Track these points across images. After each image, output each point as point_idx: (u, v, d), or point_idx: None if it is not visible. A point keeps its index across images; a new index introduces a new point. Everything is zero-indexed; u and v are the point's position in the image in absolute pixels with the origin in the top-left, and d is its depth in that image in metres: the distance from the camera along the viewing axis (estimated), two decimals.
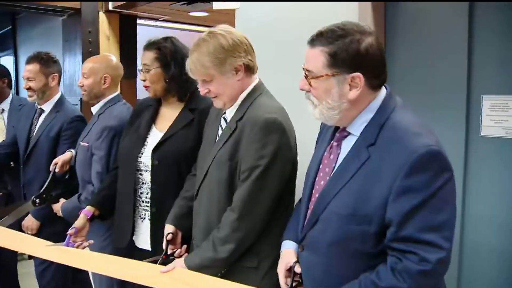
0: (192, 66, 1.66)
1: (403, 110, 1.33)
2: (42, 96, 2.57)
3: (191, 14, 4.98)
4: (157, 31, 5.08)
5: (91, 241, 2.13)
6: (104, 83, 2.38)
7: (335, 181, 1.32)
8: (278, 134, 1.59)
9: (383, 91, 1.35)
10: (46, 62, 2.61)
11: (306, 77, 1.32)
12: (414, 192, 1.17)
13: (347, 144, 1.35)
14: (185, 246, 1.84)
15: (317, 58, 1.27)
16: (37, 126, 2.61)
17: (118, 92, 2.47)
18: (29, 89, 2.58)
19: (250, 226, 1.59)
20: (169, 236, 1.82)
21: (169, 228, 1.86)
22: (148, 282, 1.64)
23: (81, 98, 4.47)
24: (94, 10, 4.56)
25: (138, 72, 2.10)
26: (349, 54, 1.25)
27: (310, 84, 1.31)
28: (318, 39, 1.29)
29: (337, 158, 1.36)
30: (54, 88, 2.63)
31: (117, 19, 4.69)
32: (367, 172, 1.25)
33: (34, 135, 2.60)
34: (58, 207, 2.35)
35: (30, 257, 4.10)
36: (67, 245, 2.05)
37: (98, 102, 2.42)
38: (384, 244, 1.25)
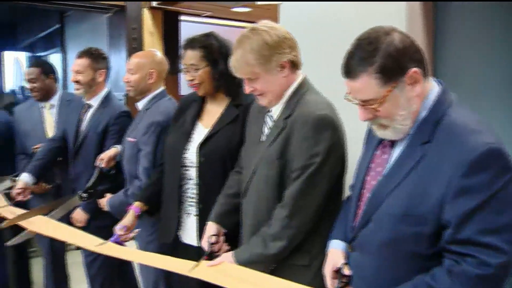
0: (236, 64, 1.63)
1: (460, 107, 1.27)
2: (88, 90, 2.62)
3: (234, 9, 4.99)
4: (199, 27, 5.11)
5: (138, 230, 2.17)
6: (150, 79, 2.39)
7: (388, 180, 1.28)
8: (330, 131, 1.57)
9: (435, 87, 1.29)
10: (96, 57, 2.66)
11: (363, 106, 1.27)
12: (474, 192, 1.12)
13: (401, 143, 1.30)
14: (222, 237, 1.83)
15: (368, 84, 1.22)
16: (85, 121, 2.66)
17: (163, 87, 2.48)
18: (76, 82, 2.63)
19: (301, 223, 1.57)
20: (213, 239, 1.80)
21: (211, 227, 1.84)
22: (196, 274, 1.64)
23: (126, 94, 4.56)
24: (138, 7, 4.64)
25: (182, 72, 2.08)
26: (394, 59, 1.20)
27: (375, 110, 1.25)
28: (354, 65, 1.23)
29: (390, 157, 1.32)
30: (101, 84, 2.68)
31: (160, 15, 4.76)
32: (422, 171, 1.21)
33: (82, 130, 2.66)
34: (103, 202, 2.40)
35: (78, 247, 4.24)
36: (115, 241, 2.09)
37: (143, 97, 2.44)
38: (438, 245, 1.20)
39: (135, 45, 4.46)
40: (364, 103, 1.26)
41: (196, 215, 2.03)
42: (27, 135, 3.01)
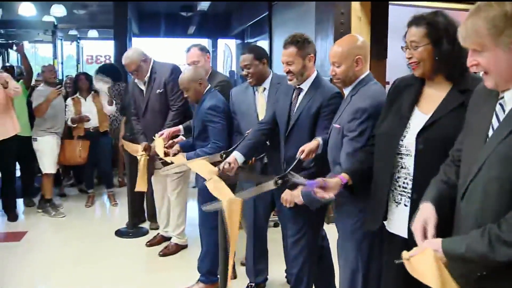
0: (464, 32, 1.42)
1: None
2: (301, 78, 2.64)
3: None
4: (409, 11, 4.82)
5: (331, 195, 2.07)
6: (357, 65, 2.29)
7: None
8: None
9: None
10: (302, 44, 2.64)
11: None
12: None
13: None
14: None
15: None
16: (297, 104, 2.69)
17: (368, 71, 2.36)
18: (288, 72, 2.66)
19: None
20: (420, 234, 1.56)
21: (429, 208, 1.60)
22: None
23: (330, 79, 4.56)
24: None
25: (403, 50, 1.95)
26: None
27: None
28: None
29: None
30: (311, 68, 2.68)
31: None
32: None
33: (294, 113, 2.69)
34: (296, 194, 2.41)
35: (275, 224, 4.42)
36: (310, 185, 2.07)
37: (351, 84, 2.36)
38: None
39: (342, 30, 4.41)
40: None
41: (406, 205, 1.91)
42: (242, 116, 3.21)
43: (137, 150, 4.00)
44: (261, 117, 3.11)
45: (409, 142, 1.90)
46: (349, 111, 2.24)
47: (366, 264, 2.27)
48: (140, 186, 3.96)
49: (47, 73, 5.36)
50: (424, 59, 1.87)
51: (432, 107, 1.89)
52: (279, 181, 2.38)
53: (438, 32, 1.85)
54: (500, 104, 1.46)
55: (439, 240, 1.44)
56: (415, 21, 1.90)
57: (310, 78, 2.68)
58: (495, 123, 1.46)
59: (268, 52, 7.14)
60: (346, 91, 2.37)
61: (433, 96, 1.92)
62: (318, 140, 2.47)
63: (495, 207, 1.40)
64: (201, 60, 3.75)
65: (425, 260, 1.41)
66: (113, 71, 6.01)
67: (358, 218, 2.23)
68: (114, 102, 5.57)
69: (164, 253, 4.10)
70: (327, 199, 2.10)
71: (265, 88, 3.16)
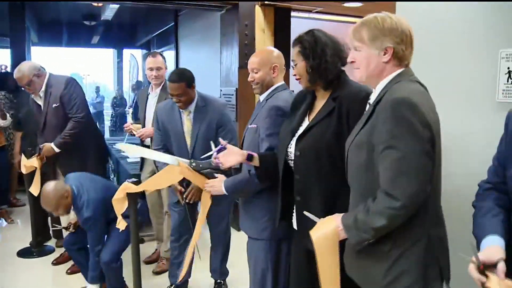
0: (352, 35, 1.72)
1: None
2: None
3: (345, 5, 4.92)
4: (310, 23, 5.10)
5: (230, 163, 2.31)
6: (274, 73, 2.47)
7: None
8: (409, 111, 1.51)
9: None
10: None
11: None
12: None
13: None
14: None
15: None
16: None
17: (283, 82, 2.53)
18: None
19: (401, 207, 1.52)
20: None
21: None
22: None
23: (236, 89, 4.68)
24: (251, 4, 4.74)
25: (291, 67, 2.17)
26: None
27: None
28: None
29: None
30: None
31: (272, 12, 4.82)
32: None
33: None
34: (215, 183, 2.54)
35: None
36: (219, 150, 2.32)
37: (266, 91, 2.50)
38: None
39: (247, 41, 4.55)
40: None
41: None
42: (167, 132, 3.20)
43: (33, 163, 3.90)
44: (188, 140, 3.12)
45: (292, 148, 2.10)
46: (264, 110, 2.37)
47: (276, 263, 2.40)
48: (33, 190, 3.96)
49: None
50: (301, 74, 2.10)
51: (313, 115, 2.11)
52: (193, 165, 2.60)
53: (306, 49, 2.07)
54: (369, 103, 1.76)
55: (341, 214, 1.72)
56: (293, 42, 2.15)
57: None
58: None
59: (174, 63, 7.18)
60: (262, 97, 2.50)
61: (318, 106, 2.13)
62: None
63: (359, 189, 1.70)
64: (163, 67, 3.76)
65: (325, 226, 1.73)
66: (7, 80, 5.62)
67: (266, 219, 2.35)
68: (7, 115, 5.16)
69: (72, 271, 3.93)
70: (223, 168, 2.32)
71: (190, 112, 3.15)
